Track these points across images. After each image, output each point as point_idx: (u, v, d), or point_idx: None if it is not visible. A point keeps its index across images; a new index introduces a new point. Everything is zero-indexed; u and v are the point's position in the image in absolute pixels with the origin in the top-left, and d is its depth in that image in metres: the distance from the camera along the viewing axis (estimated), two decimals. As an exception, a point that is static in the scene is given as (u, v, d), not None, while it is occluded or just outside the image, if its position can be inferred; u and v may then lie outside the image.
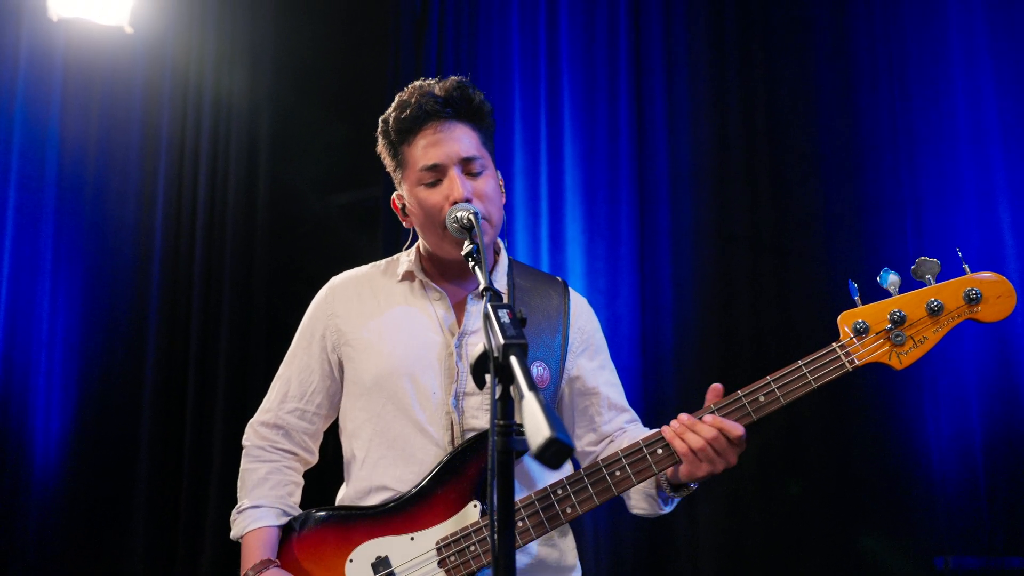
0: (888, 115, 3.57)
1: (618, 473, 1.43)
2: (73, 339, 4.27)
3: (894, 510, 3.34)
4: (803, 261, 3.68)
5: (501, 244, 1.72)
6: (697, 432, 1.36)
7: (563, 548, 1.64)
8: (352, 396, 1.62)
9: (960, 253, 1.36)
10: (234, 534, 1.62)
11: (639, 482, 1.43)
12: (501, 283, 1.61)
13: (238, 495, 1.66)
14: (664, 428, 1.41)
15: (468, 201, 1.50)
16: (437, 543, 1.45)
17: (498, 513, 0.99)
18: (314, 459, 1.73)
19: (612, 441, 1.64)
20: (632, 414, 1.70)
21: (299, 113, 4.73)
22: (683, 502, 3.67)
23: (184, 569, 4.10)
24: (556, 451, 0.86)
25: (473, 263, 1.23)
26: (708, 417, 1.38)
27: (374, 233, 4.73)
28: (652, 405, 3.88)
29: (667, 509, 1.53)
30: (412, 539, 1.45)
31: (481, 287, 1.15)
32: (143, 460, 4.32)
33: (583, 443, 1.67)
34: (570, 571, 1.62)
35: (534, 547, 1.53)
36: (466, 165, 1.55)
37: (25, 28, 4.16)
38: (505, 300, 1.55)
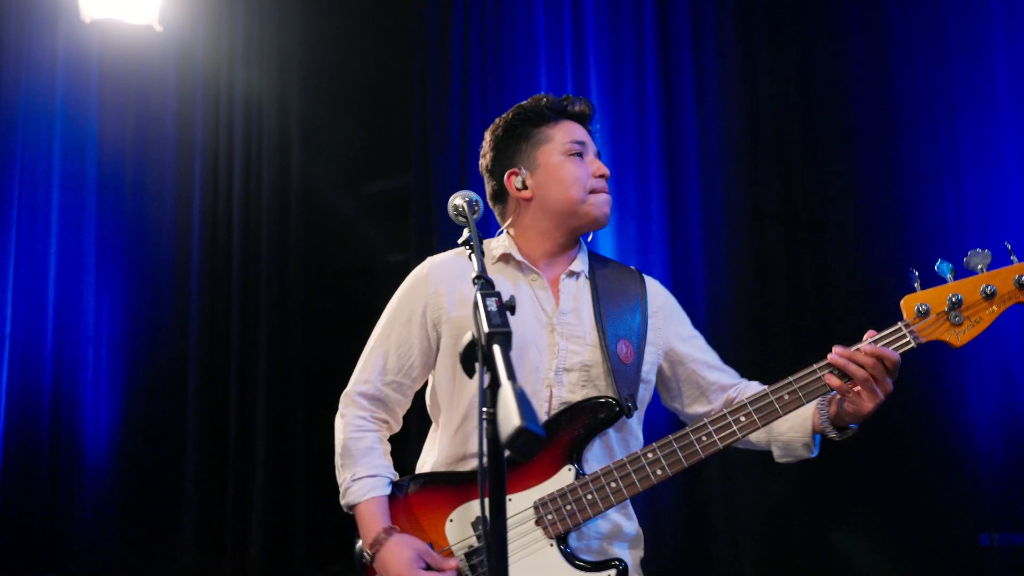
0: (925, 82, 3.46)
1: (743, 418, 1.55)
2: (118, 335, 4.41)
3: (937, 486, 3.27)
4: (840, 235, 3.60)
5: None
6: (857, 361, 1.49)
7: (635, 518, 1.74)
8: (452, 370, 1.69)
9: (1009, 246, 1.52)
10: (349, 501, 1.66)
11: (786, 413, 1.54)
12: (584, 264, 1.77)
13: (342, 462, 1.70)
14: (831, 356, 1.53)
15: (604, 177, 1.80)
16: (535, 503, 1.53)
17: (490, 498, 1.00)
18: (398, 427, 1.82)
19: (730, 396, 1.74)
20: (734, 372, 1.81)
21: (329, 106, 4.78)
22: (720, 484, 3.67)
23: (234, 554, 4.22)
24: (525, 440, 0.87)
25: (474, 245, 1.25)
26: (865, 347, 1.52)
27: (406, 222, 4.76)
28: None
29: (815, 452, 1.65)
30: (510, 500, 1.54)
31: (475, 275, 1.16)
32: (190, 450, 4.45)
33: (696, 408, 1.77)
34: (640, 540, 1.73)
35: (612, 514, 1.64)
36: (597, 155, 1.84)
37: (61, 31, 4.27)
38: (587, 281, 1.70)
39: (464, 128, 4.64)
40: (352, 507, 1.66)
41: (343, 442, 1.71)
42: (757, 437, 1.66)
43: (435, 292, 1.73)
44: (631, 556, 1.67)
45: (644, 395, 1.70)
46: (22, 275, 4.11)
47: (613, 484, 1.52)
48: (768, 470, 3.63)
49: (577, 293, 1.71)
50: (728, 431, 1.53)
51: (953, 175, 3.39)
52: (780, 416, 1.53)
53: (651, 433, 1.75)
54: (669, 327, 1.76)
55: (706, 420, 1.55)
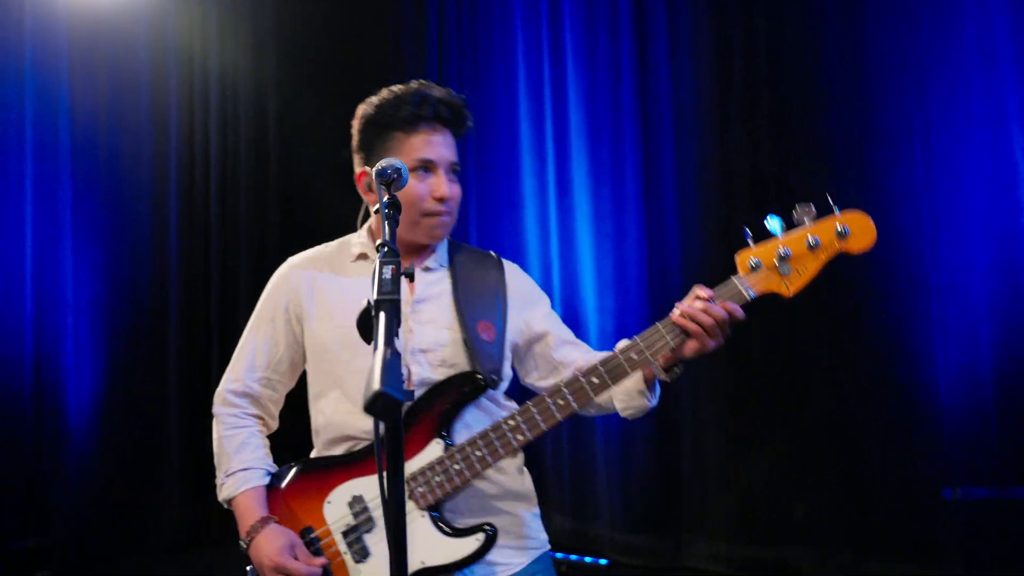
0: (895, 42, 3.45)
1: (595, 379, 1.59)
2: (97, 301, 4.42)
3: (901, 442, 3.34)
4: (809, 196, 3.59)
5: None
6: (710, 313, 1.56)
7: (524, 479, 1.78)
8: (317, 362, 1.75)
9: (830, 199, 1.59)
10: (224, 496, 1.73)
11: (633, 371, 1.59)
12: (443, 258, 1.82)
13: (217, 461, 1.77)
14: (675, 317, 1.59)
15: (445, 201, 1.72)
16: (407, 476, 1.59)
17: (389, 462, 1.04)
18: (275, 424, 1.87)
19: (579, 365, 1.75)
20: (587, 347, 1.86)
21: (304, 75, 4.75)
22: (690, 436, 3.73)
23: (220, 516, 4.29)
24: (383, 403, 0.90)
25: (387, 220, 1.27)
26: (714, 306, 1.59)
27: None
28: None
29: (655, 401, 1.69)
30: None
31: (379, 242, 1.19)
32: (172, 414, 4.51)
33: (551, 381, 1.81)
34: (529, 495, 1.77)
35: (493, 475, 1.68)
36: (452, 168, 1.75)
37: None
38: (447, 274, 1.77)
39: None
40: (228, 502, 1.72)
41: (217, 441, 1.78)
42: (604, 399, 1.71)
43: (294, 289, 1.79)
44: (521, 510, 1.72)
45: (506, 370, 1.77)
46: (-3, 244, 4.11)
47: (478, 452, 1.58)
48: (737, 430, 3.70)
49: (433, 284, 1.77)
50: (582, 392, 1.58)
51: (922, 136, 3.39)
52: (629, 374, 1.59)
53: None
54: (526, 307, 1.81)
55: (562, 384, 1.60)
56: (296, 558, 1.59)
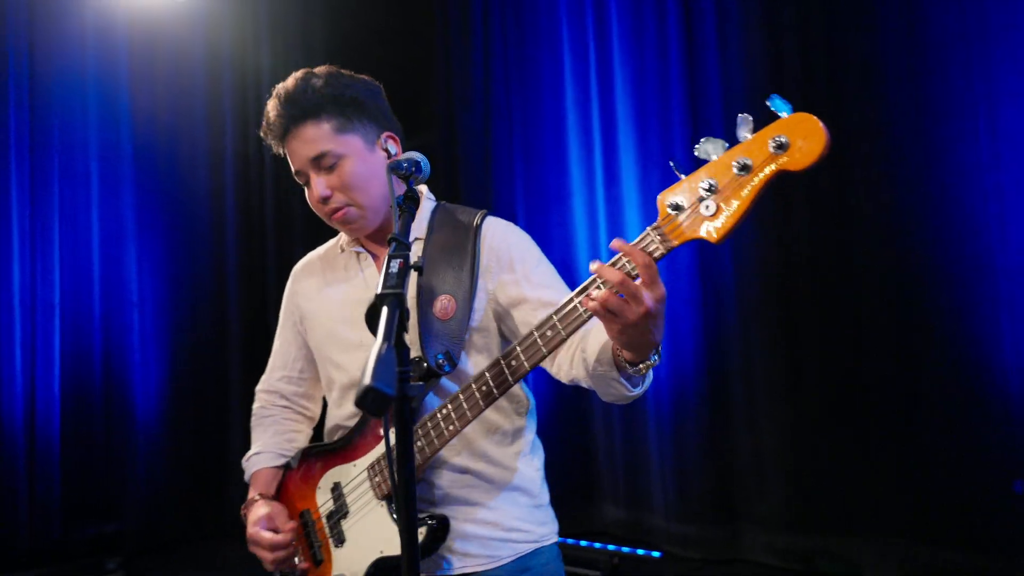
0: (957, 12, 3.27)
1: (513, 362, 1.41)
2: (160, 299, 4.59)
3: (966, 430, 3.18)
4: (866, 176, 3.47)
5: (423, 192, 1.73)
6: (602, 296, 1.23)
7: (523, 468, 1.67)
8: (317, 359, 1.82)
9: (775, 103, 1.19)
10: (245, 478, 1.85)
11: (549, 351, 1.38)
12: (421, 228, 1.68)
13: (252, 441, 1.90)
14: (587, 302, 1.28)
15: (327, 200, 1.62)
16: (367, 467, 1.62)
17: (398, 454, 1.03)
18: (314, 414, 1.95)
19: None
20: None
21: (354, 57, 4.78)
22: (745, 426, 3.64)
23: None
24: (373, 399, 0.89)
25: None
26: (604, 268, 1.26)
27: (434, 180, 4.78)
28: (713, 334, 3.82)
29: (636, 391, 1.43)
30: (355, 465, 1.63)
31: (390, 236, 1.19)
32: (234, 407, 4.65)
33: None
34: (532, 491, 1.66)
35: (459, 461, 1.61)
36: (318, 162, 1.61)
37: (89, 6, 4.37)
38: (421, 245, 1.64)
39: (487, 81, 4.61)
40: (248, 480, 1.84)
41: (252, 424, 1.91)
42: (582, 375, 1.49)
43: (294, 293, 1.84)
44: (508, 503, 1.62)
45: (481, 343, 1.63)
46: (67, 244, 4.29)
47: (419, 443, 1.51)
48: (794, 420, 3.59)
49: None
50: (502, 377, 1.42)
51: (987, 110, 3.21)
52: (545, 354, 1.38)
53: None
54: (502, 269, 1.62)
55: (484, 369, 1.45)
56: (274, 529, 1.64)
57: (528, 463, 1.68)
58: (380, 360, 0.91)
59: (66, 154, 4.32)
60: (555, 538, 1.71)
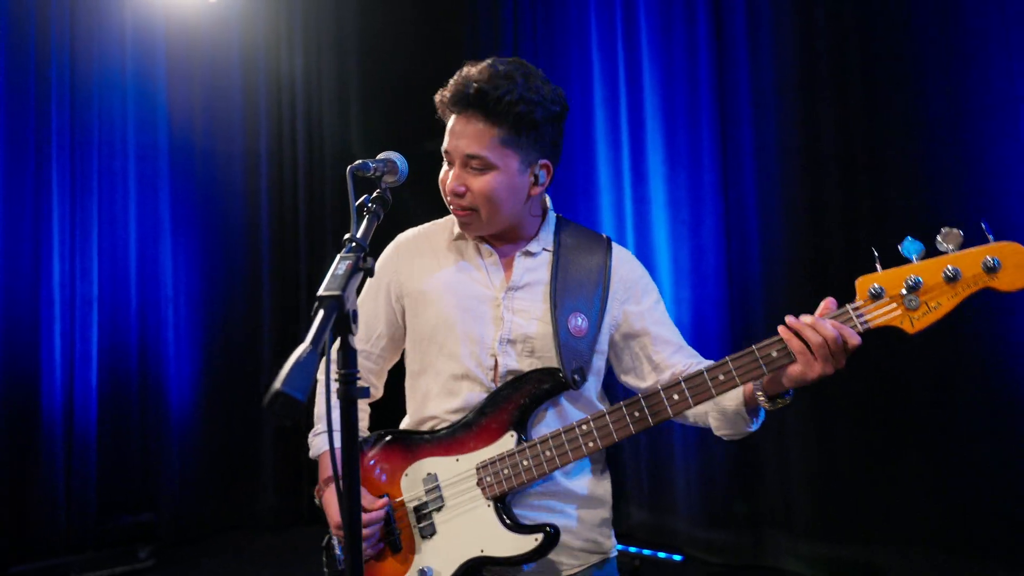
0: (997, 2, 3.15)
1: (676, 395, 1.51)
2: (195, 295, 4.68)
3: (999, 439, 3.07)
4: (901, 176, 3.36)
5: (547, 203, 1.80)
6: (818, 329, 1.40)
7: (602, 482, 1.74)
8: (413, 342, 1.78)
9: (984, 225, 1.37)
10: (311, 454, 1.84)
11: (719, 393, 1.50)
12: (548, 240, 1.74)
13: (315, 422, 1.88)
14: (780, 328, 1.46)
15: (459, 195, 1.64)
16: (476, 465, 1.61)
17: (343, 458, 1.03)
18: (378, 393, 1.92)
19: (675, 373, 1.68)
20: (693, 351, 1.74)
21: (383, 74, 4.84)
22: (771, 432, 3.56)
23: (310, 498, 4.46)
24: (282, 403, 0.89)
25: (368, 214, 1.26)
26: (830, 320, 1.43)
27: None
28: (739, 338, 3.75)
29: (755, 427, 1.56)
30: (457, 460, 1.64)
31: (346, 236, 1.18)
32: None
33: (650, 383, 1.72)
34: (601, 501, 1.72)
35: (560, 478, 1.66)
36: (469, 161, 1.62)
37: (128, 6, 4.48)
38: (550, 257, 1.70)
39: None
40: (315, 459, 1.82)
41: (316, 405, 1.86)
42: (695, 413, 1.62)
43: (396, 269, 1.79)
44: (591, 514, 1.68)
45: (598, 365, 1.70)
46: (105, 241, 4.40)
47: (548, 453, 1.56)
48: (820, 426, 3.51)
49: (533, 269, 1.70)
50: (659, 408, 1.51)
51: (1029, 106, 3.09)
52: (713, 396, 1.47)
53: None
54: (629, 298, 1.70)
55: (640, 396, 1.52)
56: (364, 508, 1.63)
57: (603, 477, 1.74)
58: (296, 364, 0.90)
59: (105, 153, 4.43)
60: (617, 551, 1.77)
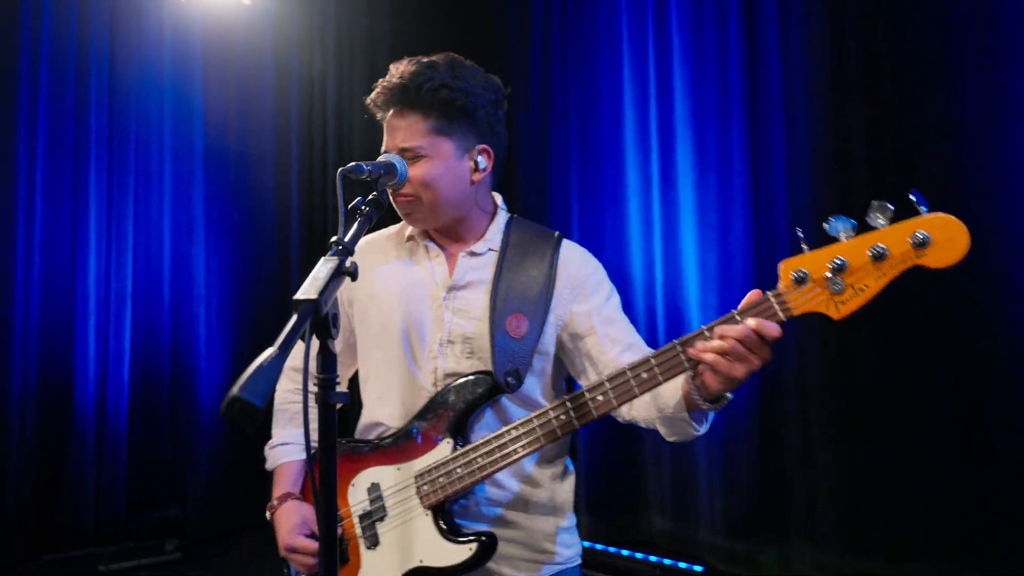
0: (1038, 3, 3.04)
1: (600, 396, 1.44)
2: (226, 293, 4.76)
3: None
4: (935, 180, 3.26)
5: (499, 202, 1.76)
6: (727, 334, 1.30)
7: (559, 488, 1.68)
8: (362, 346, 1.76)
9: (915, 197, 1.23)
10: (267, 467, 1.81)
11: (642, 392, 1.42)
12: (496, 240, 1.69)
13: (272, 432, 1.85)
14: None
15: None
16: (415, 473, 1.57)
17: (321, 462, 1.02)
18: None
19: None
20: (648, 350, 1.60)
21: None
22: (797, 441, 3.48)
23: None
24: (239, 409, 0.87)
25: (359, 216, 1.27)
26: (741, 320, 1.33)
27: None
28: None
29: (701, 429, 1.48)
30: (398, 469, 1.60)
31: (333, 239, 1.18)
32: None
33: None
34: (557, 508, 1.66)
35: (508, 482, 1.62)
36: (403, 152, 1.60)
37: (167, 10, 4.57)
38: (496, 257, 1.66)
39: (545, 81, 4.58)
40: (270, 472, 1.79)
41: (273, 412, 1.84)
42: (643, 415, 1.54)
43: None
44: (544, 523, 1.63)
45: (541, 367, 1.65)
46: (140, 239, 4.50)
47: (480, 459, 1.51)
48: (848, 435, 3.42)
49: (477, 268, 1.67)
50: (584, 410, 1.45)
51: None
52: (636, 395, 1.40)
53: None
54: (576, 297, 1.64)
55: (566, 398, 1.47)
56: (310, 534, 1.62)
57: (561, 485, 1.68)
58: (258, 369, 0.89)
59: (142, 153, 4.52)
60: (579, 560, 1.71)
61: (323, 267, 1.09)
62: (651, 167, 4.16)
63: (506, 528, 1.59)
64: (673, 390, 1.45)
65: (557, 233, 1.72)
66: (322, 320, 1.02)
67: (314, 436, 1.64)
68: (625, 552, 3.75)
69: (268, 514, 1.70)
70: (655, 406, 1.49)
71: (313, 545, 1.59)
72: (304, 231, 4.95)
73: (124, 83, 4.45)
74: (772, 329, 1.28)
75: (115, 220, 4.41)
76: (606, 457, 4.15)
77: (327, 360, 1.04)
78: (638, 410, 1.54)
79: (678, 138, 4.05)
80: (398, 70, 1.63)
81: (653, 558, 3.66)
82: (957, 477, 3.11)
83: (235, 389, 0.88)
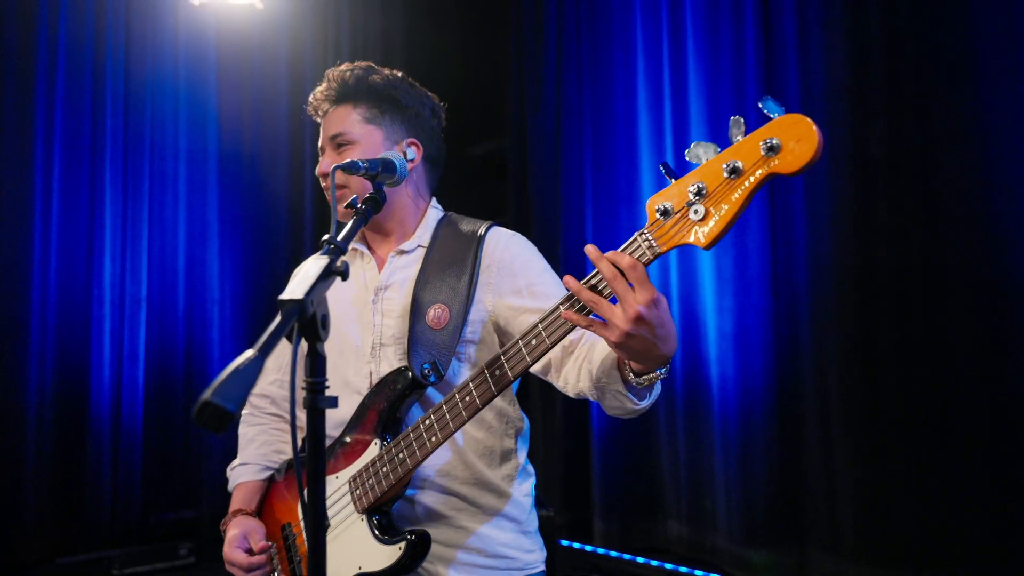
0: (1063, 0, 2.97)
1: (497, 371, 1.37)
2: (240, 297, 4.76)
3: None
4: (957, 183, 3.19)
5: (432, 201, 1.78)
6: (600, 268, 1.21)
7: (513, 491, 1.62)
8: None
9: (767, 105, 1.15)
10: (229, 487, 1.82)
11: (534, 360, 1.34)
12: (425, 237, 1.70)
13: (238, 448, 1.88)
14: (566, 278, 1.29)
15: (325, 176, 1.67)
16: (348, 479, 1.55)
17: (310, 469, 0.99)
18: (301, 422, 1.85)
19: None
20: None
21: (429, 76, 4.84)
22: (818, 446, 3.40)
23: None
24: (210, 414, 0.83)
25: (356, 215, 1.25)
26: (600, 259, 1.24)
27: (504, 184, 4.77)
28: (783, 347, 3.61)
29: (642, 404, 1.38)
30: (337, 478, 1.58)
31: (326, 237, 1.16)
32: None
33: (550, 375, 1.59)
34: (518, 517, 1.61)
35: (468, 489, 1.57)
36: (334, 140, 1.67)
37: (181, 14, 4.59)
38: (423, 253, 1.66)
39: (559, 81, 4.55)
40: (230, 492, 1.80)
41: (238, 437, 1.86)
42: (586, 386, 1.44)
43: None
44: (492, 527, 1.58)
45: (474, 356, 1.60)
46: (155, 242, 4.51)
47: (400, 455, 1.46)
48: (870, 440, 3.35)
49: (404, 267, 1.66)
50: (484, 388, 1.37)
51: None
52: (529, 363, 1.33)
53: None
54: (504, 279, 1.59)
55: (468, 378, 1.41)
56: (248, 548, 1.62)
57: (517, 487, 1.63)
58: (233, 372, 0.86)
59: (157, 156, 4.54)
60: (542, 566, 1.65)
61: (312, 266, 1.06)
62: (666, 169, 4.10)
63: (457, 533, 1.55)
64: (600, 356, 1.39)
65: (489, 223, 1.70)
66: (310, 321, 0.99)
67: (281, 448, 1.72)
68: (640, 559, 3.70)
69: (223, 531, 1.71)
70: (589, 376, 1.43)
71: (244, 558, 1.59)
72: (318, 235, 4.93)
73: (139, 87, 4.46)
74: (624, 260, 1.19)
75: (130, 223, 4.43)
76: (621, 461, 4.10)
77: (316, 363, 1.00)
78: (583, 382, 1.45)
79: (693, 139, 3.99)
80: (330, 75, 1.71)
81: (669, 565, 3.61)
82: (982, 485, 3.03)
83: (207, 393, 0.84)
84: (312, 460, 1.00)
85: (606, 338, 1.22)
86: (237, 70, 4.76)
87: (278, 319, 0.97)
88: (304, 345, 1.01)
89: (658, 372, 1.29)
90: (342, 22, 4.99)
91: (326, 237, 1.16)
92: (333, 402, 1.01)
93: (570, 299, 1.27)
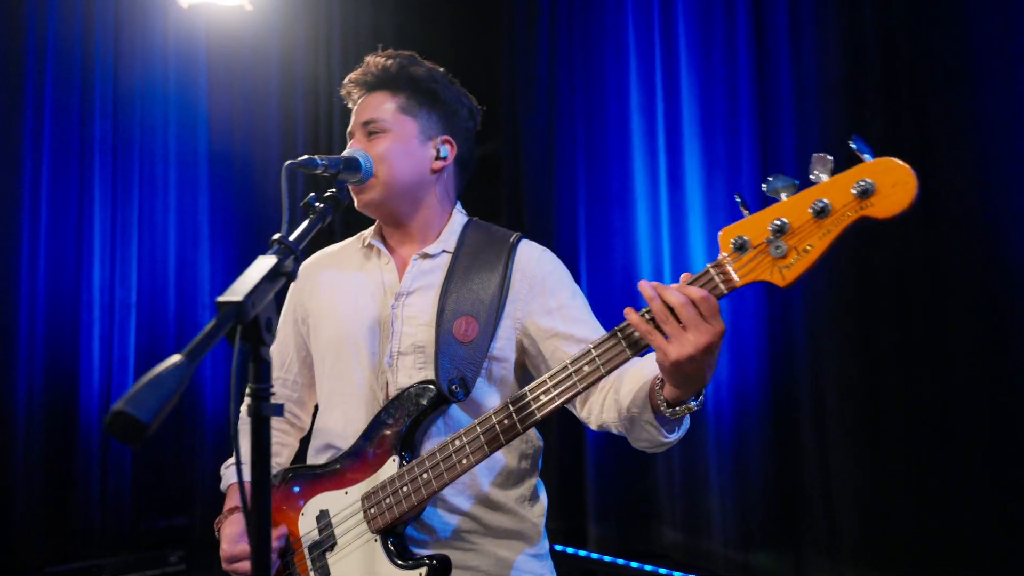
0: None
1: (542, 396, 1.34)
2: (231, 300, 4.71)
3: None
4: (955, 183, 3.14)
5: (457, 206, 1.73)
6: (665, 298, 1.20)
7: (526, 512, 1.58)
8: (316, 364, 1.71)
9: (856, 145, 1.12)
10: (221, 487, 1.77)
11: (584, 388, 1.32)
12: (450, 241, 1.64)
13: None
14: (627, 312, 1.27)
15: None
16: (362, 496, 1.48)
17: (254, 480, 0.94)
18: (303, 424, 1.82)
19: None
20: None
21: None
22: (814, 448, 3.36)
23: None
24: (121, 424, 0.78)
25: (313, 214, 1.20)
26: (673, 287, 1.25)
27: (499, 185, 4.73)
28: (779, 349, 3.56)
29: (672, 437, 1.38)
30: (346, 493, 1.52)
31: (276, 236, 1.10)
32: (299, 409, 4.72)
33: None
34: (520, 533, 1.56)
35: (463, 505, 1.52)
36: (366, 126, 1.61)
37: (171, 16, 4.55)
38: (448, 259, 1.59)
39: (551, 82, 4.51)
40: (225, 491, 1.74)
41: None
42: (612, 418, 1.42)
43: (300, 290, 1.73)
44: (507, 550, 1.54)
45: (500, 373, 1.56)
46: (145, 247, 4.47)
47: (425, 475, 1.40)
48: (868, 441, 3.30)
49: (428, 272, 1.60)
50: (527, 412, 1.34)
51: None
52: (579, 391, 1.30)
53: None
54: (534, 296, 1.54)
55: (508, 401, 1.36)
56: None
57: (530, 509, 1.59)
58: (151, 380, 0.81)
59: (146, 159, 4.50)
60: None
61: (256, 266, 1.01)
62: (658, 169, 4.07)
63: (468, 555, 1.50)
64: (633, 388, 1.36)
65: (517, 234, 1.64)
66: (251, 324, 0.94)
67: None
68: (635, 564, 3.65)
69: (216, 526, 1.65)
70: (616, 408, 1.40)
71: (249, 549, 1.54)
72: (310, 239, 4.89)
73: (128, 90, 4.43)
74: (699, 295, 1.17)
75: (120, 227, 4.39)
76: (616, 465, 4.05)
77: (260, 369, 0.96)
78: (607, 414, 1.43)
79: (685, 140, 3.95)
80: (373, 60, 1.66)
81: (664, 570, 3.56)
82: (982, 486, 2.98)
83: (120, 402, 0.79)
84: (256, 472, 0.95)
85: (666, 353, 1.18)
86: (227, 72, 4.73)
87: (211, 323, 0.92)
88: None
89: (691, 403, 1.28)
90: (333, 21, 4.95)
91: (276, 236, 1.09)
92: (279, 410, 0.97)
93: (623, 330, 1.27)
